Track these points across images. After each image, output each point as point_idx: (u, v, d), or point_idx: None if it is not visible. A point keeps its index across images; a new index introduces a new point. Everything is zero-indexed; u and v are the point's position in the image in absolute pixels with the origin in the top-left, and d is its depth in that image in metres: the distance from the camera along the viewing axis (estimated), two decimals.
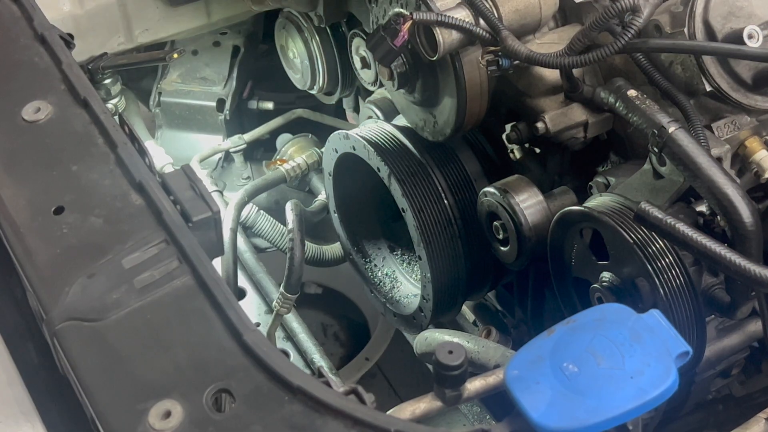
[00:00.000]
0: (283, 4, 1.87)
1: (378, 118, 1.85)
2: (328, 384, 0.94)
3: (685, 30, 1.35)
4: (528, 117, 1.48)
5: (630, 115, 1.33)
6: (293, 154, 2.31)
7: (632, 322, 0.97)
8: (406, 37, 1.38)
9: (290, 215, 1.96)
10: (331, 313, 2.65)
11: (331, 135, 1.80)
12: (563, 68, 1.37)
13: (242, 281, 2.17)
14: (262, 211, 2.22)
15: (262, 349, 0.93)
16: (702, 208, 1.31)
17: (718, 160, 1.28)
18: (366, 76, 1.79)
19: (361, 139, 1.70)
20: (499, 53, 1.36)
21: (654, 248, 1.26)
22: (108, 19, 2.14)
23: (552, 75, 1.46)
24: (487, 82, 1.47)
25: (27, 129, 1.16)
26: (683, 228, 1.16)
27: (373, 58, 1.58)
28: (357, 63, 1.79)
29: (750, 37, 1.30)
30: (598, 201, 1.35)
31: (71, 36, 1.49)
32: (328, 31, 1.92)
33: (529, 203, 1.48)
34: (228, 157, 2.43)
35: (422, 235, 1.63)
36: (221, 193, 2.30)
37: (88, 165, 1.11)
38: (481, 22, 1.38)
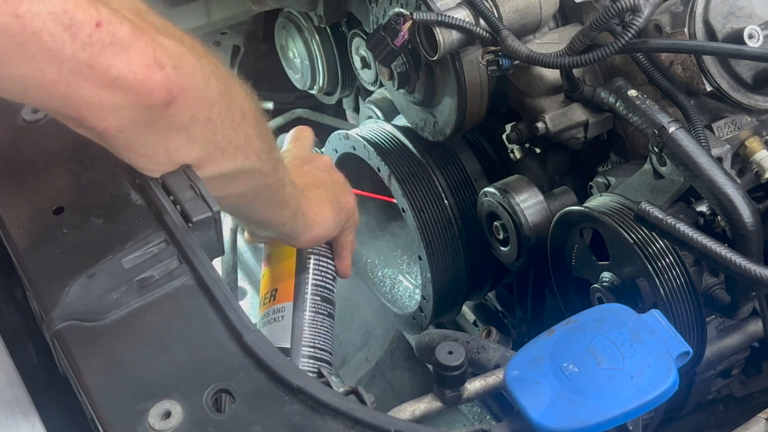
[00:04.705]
0: (283, 4, 1.87)
1: (378, 118, 1.85)
2: (328, 384, 0.94)
3: (686, 30, 1.35)
4: (528, 117, 1.48)
5: (630, 115, 1.33)
6: None
7: (632, 323, 0.97)
8: (406, 37, 1.38)
9: None
10: None
11: (331, 135, 1.80)
12: (563, 68, 1.37)
13: (242, 281, 2.17)
14: None
15: (262, 349, 0.93)
16: (702, 208, 1.31)
17: (719, 160, 1.28)
18: (366, 76, 1.79)
19: (361, 139, 1.70)
20: (499, 53, 1.36)
21: (654, 248, 1.26)
22: None
23: (552, 75, 1.46)
24: (487, 82, 1.47)
25: (27, 129, 1.16)
26: (683, 228, 1.16)
27: (373, 58, 1.58)
28: (357, 63, 1.78)
29: (750, 37, 1.30)
30: (598, 201, 1.35)
31: None
32: (328, 31, 1.92)
33: (529, 203, 1.48)
34: None
35: (422, 235, 1.62)
36: None
37: (88, 165, 1.11)
38: (481, 22, 1.38)
